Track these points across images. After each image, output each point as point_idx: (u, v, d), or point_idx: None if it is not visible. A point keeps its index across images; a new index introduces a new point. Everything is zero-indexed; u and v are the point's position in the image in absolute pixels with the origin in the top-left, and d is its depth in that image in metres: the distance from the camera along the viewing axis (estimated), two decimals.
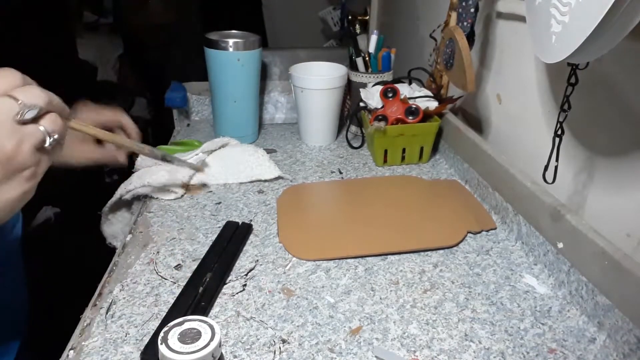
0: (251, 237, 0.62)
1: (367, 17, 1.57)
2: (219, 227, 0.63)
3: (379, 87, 0.81)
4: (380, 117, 0.78)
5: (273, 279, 0.54)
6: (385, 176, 0.79)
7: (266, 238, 0.62)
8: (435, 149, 0.86)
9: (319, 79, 0.83)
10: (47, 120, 0.39)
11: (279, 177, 0.77)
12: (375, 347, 0.45)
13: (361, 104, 0.84)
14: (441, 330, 0.47)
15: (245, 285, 0.53)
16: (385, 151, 0.81)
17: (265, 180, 0.76)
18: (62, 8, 1.77)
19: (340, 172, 0.80)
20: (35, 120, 0.39)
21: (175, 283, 0.53)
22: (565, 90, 0.49)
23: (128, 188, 0.68)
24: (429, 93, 0.82)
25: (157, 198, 0.70)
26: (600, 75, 0.53)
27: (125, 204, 0.72)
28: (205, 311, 0.49)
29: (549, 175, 0.52)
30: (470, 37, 0.72)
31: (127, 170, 0.74)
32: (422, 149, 0.82)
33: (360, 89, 0.85)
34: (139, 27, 1.99)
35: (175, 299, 0.50)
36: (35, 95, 0.38)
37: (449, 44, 0.76)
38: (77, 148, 0.63)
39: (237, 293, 0.52)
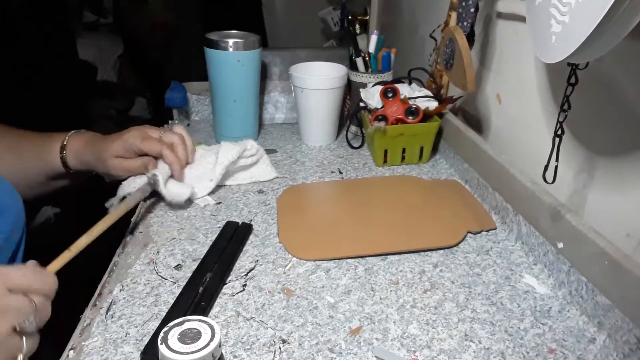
0: (251, 237, 0.62)
1: (367, 17, 1.57)
2: (219, 227, 0.63)
3: (379, 87, 0.81)
4: (380, 117, 0.78)
5: (273, 279, 0.54)
6: (385, 176, 0.79)
7: (266, 238, 0.62)
8: (435, 149, 0.86)
9: (319, 79, 0.83)
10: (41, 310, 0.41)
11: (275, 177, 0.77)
12: (375, 347, 0.45)
13: (361, 104, 0.84)
14: (441, 330, 0.47)
15: (245, 285, 0.54)
16: (385, 151, 0.81)
17: (265, 181, 0.77)
18: (62, 8, 1.77)
19: (340, 172, 0.80)
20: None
21: (175, 283, 0.53)
22: (565, 90, 0.49)
23: (126, 190, 0.68)
24: (429, 93, 0.82)
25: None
26: (600, 75, 0.53)
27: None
28: (205, 311, 0.49)
29: (549, 175, 0.52)
30: (470, 37, 0.72)
31: None
32: (422, 149, 0.82)
33: (360, 89, 0.85)
34: (139, 27, 2.00)
35: (175, 299, 0.50)
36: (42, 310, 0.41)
37: (449, 44, 0.76)
38: (119, 163, 0.67)
39: (237, 293, 0.52)
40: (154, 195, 0.70)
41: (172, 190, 0.66)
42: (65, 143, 0.68)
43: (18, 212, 0.56)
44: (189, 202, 0.69)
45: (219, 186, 0.73)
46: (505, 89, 0.75)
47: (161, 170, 0.66)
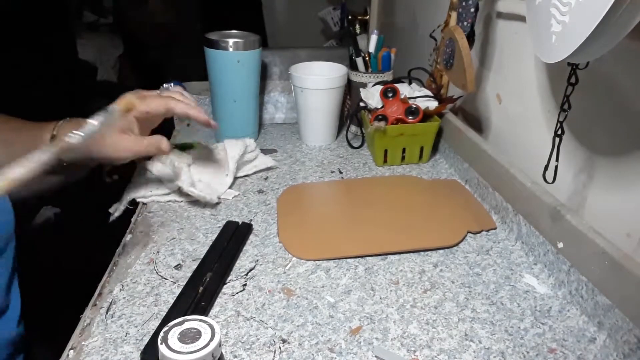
0: (251, 237, 0.62)
1: (367, 17, 1.57)
2: (219, 227, 0.63)
3: (379, 87, 0.81)
4: (380, 117, 0.78)
5: (273, 278, 0.54)
6: (385, 176, 0.79)
7: (266, 238, 0.62)
8: (435, 149, 0.86)
9: (319, 79, 0.83)
10: None
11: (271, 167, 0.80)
12: (375, 347, 0.45)
13: (361, 104, 0.84)
14: (441, 330, 0.47)
15: (245, 285, 0.54)
16: (385, 151, 0.81)
17: (268, 169, 0.79)
18: (62, 8, 1.77)
19: (340, 172, 0.80)
20: None
21: (175, 283, 0.53)
22: (565, 90, 0.49)
23: (132, 195, 0.68)
24: (429, 93, 0.82)
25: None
26: (600, 75, 0.53)
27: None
28: (205, 311, 0.49)
29: (549, 175, 0.52)
30: (470, 37, 0.72)
31: (127, 170, 0.73)
32: (422, 149, 0.82)
33: (360, 89, 0.85)
34: (139, 27, 2.00)
35: (175, 299, 0.50)
36: None
37: (449, 44, 0.76)
38: (119, 141, 0.58)
39: (237, 293, 0.52)
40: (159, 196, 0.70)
41: (205, 191, 0.68)
42: (55, 133, 0.63)
43: (6, 221, 0.54)
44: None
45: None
46: (505, 89, 0.75)
47: (186, 177, 0.67)
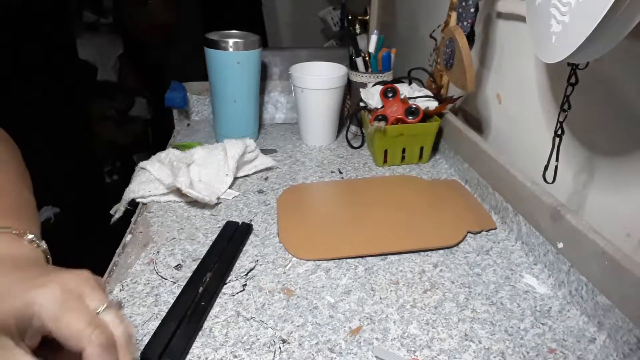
0: (251, 237, 0.62)
1: (367, 17, 1.57)
2: (219, 227, 0.63)
3: (379, 87, 0.81)
4: (380, 117, 0.78)
5: (273, 279, 0.54)
6: (385, 176, 0.79)
7: (266, 238, 0.62)
8: (435, 149, 0.86)
9: (319, 79, 0.83)
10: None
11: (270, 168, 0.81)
12: (375, 347, 0.45)
13: (361, 104, 0.84)
14: (441, 330, 0.47)
15: (245, 285, 0.54)
16: (385, 151, 0.81)
17: (268, 169, 0.80)
18: (62, 8, 1.77)
19: (340, 172, 0.80)
20: None
21: (175, 283, 0.53)
22: (565, 90, 0.49)
23: (131, 196, 0.69)
24: (429, 93, 0.82)
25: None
26: (600, 75, 0.53)
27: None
28: (205, 311, 0.49)
29: (549, 175, 0.52)
30: (470, 37, 0.72)
31: (127, 170, 0.74)
32: (422, 149, 0.82)
33: (360, 89, 0.85)
34: (139, 27, 2.00)
35: (175, 299, 0.50)
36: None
37: (449, 44, 0.76)
38: None
39: (237, 293, 0.52)
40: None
41: (204, 192, 0.68)
42: None
43: None
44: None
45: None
46: (505, 89, 0.75)
47: (184, 178, 0.67)
